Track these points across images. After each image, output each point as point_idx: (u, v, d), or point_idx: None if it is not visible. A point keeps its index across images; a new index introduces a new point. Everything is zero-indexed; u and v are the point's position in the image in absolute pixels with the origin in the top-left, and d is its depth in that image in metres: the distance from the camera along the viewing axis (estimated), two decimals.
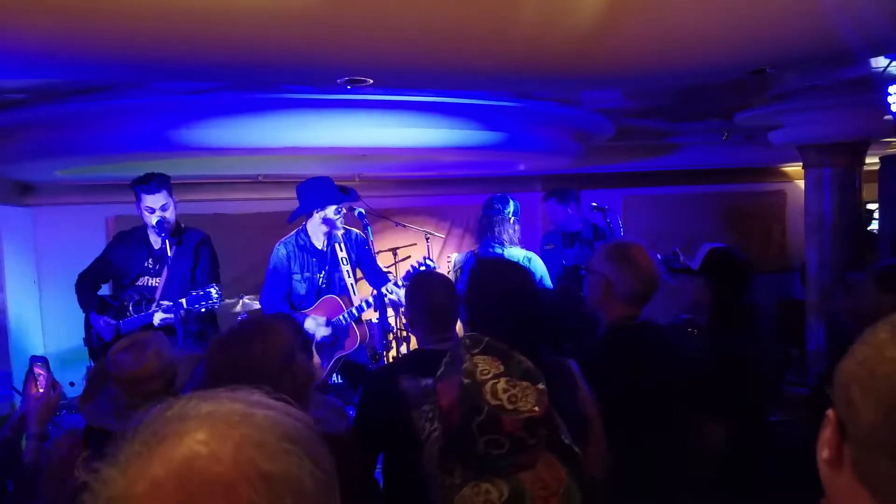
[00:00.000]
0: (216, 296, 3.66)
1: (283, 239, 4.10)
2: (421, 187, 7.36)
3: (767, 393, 2.84)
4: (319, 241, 4.06)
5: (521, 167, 6.40)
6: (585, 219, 5.16)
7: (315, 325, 3.91)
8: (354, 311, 3.98)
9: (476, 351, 1.50)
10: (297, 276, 4.05)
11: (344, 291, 4.07)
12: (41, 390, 2.19)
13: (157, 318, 3.73)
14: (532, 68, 3.10)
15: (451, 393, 1.46)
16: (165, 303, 3.73)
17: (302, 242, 4.05)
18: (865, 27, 2.75)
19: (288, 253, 4.04)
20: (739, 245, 2.91)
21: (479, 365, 1.46)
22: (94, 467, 0.69)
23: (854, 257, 5.65)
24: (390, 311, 4.76)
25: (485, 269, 2.15)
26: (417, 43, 2.69)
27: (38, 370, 2.22)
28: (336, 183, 4.08)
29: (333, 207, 3.96)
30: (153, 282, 3.92)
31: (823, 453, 0.86)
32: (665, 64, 3.19)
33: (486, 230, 4.31)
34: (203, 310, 3.69)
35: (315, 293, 4.07)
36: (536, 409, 1.42)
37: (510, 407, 1.41)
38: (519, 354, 1.51)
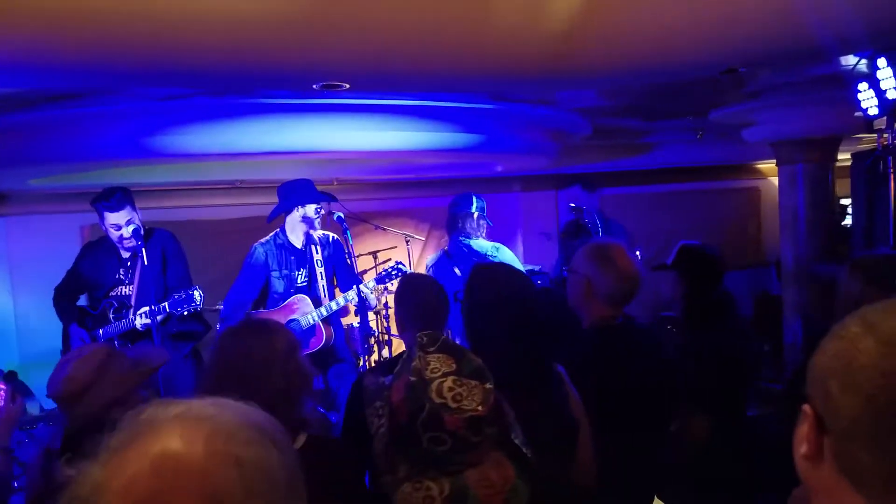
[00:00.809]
0: (199, 298, 3.65)
1: (260, 241, 4.12)
2: (400, 190, 7.35)
3: (742, 387, 2.88)
4: (298, 241, 4.10)
5: (499, 168, 6.42)
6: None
7: (304, 318, 3.99)
8: (324, 310, 3.99)
9: (431, 349, 1.51)
10: (275, 274, 4.08)
11: (315, 292, 4.10)
12: (0, 404, 2.16)
13: (139, 322, 3.71)
14: (507, 69, 3.11)
15: (400, 390, 1.48)
16: (144, 308, 3.69)
17: (280, 241, 4.09)
18: (836, 26, 2.79)
19: (266, 252, 4.07)
20: (715, 241, 2.96)
21: (431, 363, 1.48)
22: (77, 465, 0.74)
23: (827, 251, 5.74)
24: (371, 315, 4.76)
25: (483, 274, 2.10)
26: (392, 47, 2.69)
27: None
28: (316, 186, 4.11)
29: (314, 206, 4.03)
30: (127, 290, 3.89)
31: (802, 448, 0.86)
32: (638, 63, 3.21)
33: (453, 226, 4.61)
34: (185, 313, 3.67)
35: (291, 291, 4.09)
36: (480, 408, 1.43)
37: (453, 405, 1.42)
38: (471, 353, 1.53)
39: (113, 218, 3.72)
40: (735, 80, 4.32)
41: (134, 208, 3.79)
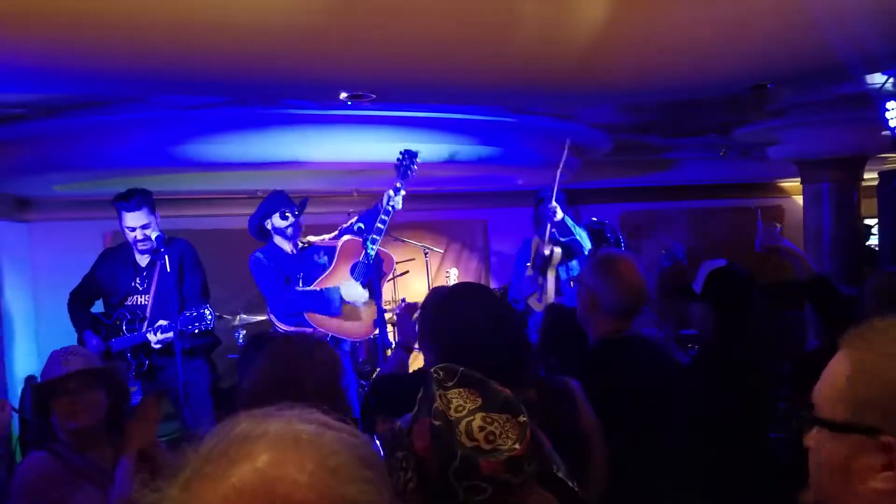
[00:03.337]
0: (210, 317, 3.62)
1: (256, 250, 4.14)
2: (419, 202, 7.32)
3: (768, 410, 2.81)
4: (287, 248, 4.11)
5: (520, 182, 6.40)
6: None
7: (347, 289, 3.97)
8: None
9: (450, 384, 1.33)
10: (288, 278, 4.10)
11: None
12: None
13: (156, 337, 3.66)
14: (531, 83, 3.11)
15: (424, 436, 1.29)
16: (162, 322, 3.68)
17: (273, 252, 4.10)
18: (862, 44, 2.76)
19: (265, 256, 4.08)
20: (737, 260, 2.84)
21: (454, 401, 1.30)
22: (157, 487, 0.66)
23: (853, 272, 5.65)
24: (389, 327, 4.75)
25: (452, 295, 1.96)
26: (418, 59, 2.70)
27: None
28: (292, 196, 4.12)
29: (277, 215, 4.02)
30: (142, 300, 3.87)
31: (877, 483, 0.81)
32: (663, 79, 3.19)
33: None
34: (196, 331, 3.64)
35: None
36: (517, 446, 1.25)
37: (487, 447, 1.25)
38: (496, 383, 1.34)
39: (129, 218, 3.71)
40: (760, 98, 4.29)
41: (152, 212, 3.76)
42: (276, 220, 4.05)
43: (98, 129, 4.18)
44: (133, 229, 3.74)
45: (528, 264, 4.87)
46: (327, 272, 4.01)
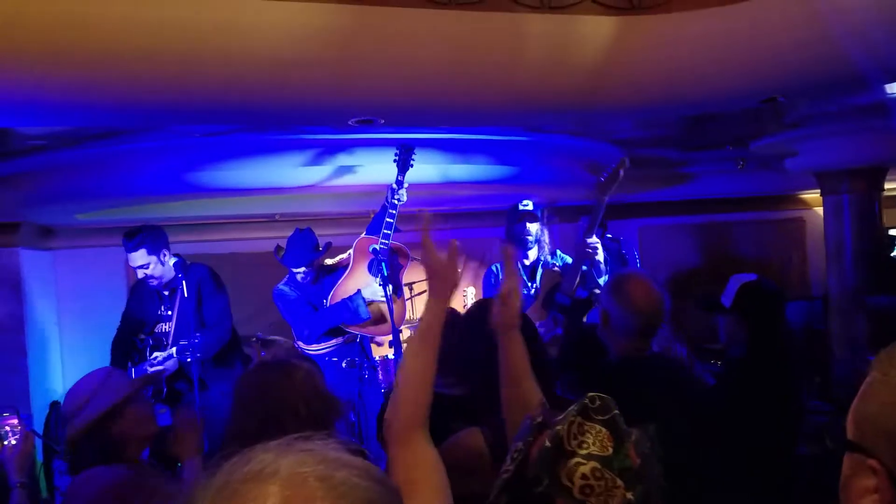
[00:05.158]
0: (201, 346, 3.67)
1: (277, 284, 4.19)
2: (435, 221, 7.34)
3: (798, 427, 2.76)
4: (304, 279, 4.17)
5: (535, 199, 6.40)
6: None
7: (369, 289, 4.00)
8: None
9: (597, 418, 1.20)
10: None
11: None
12: (13, 442, 2.28)
13: (151, 369, 3.71)
14: (540, 103, 3.11)
15: (540, 447, 1.21)
16: (158, 354, 3.75)
17: (295, 283, 4.16)
18: (878, 54, 2.73)
19: (290, 287, 4.14)
20: (758, 274, 2.83)
21: (586, 435, 1.17)
22: None
23: (875, 284, 5.57)
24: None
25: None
26: (426, 84, 2.72)
27: (7, 423, 2.30)
28: (317, 235, 4.16)
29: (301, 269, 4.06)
30: (166, 327, 3.94)
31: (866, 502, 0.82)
32: (674, 95, 3.18)
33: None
34: (189, 359, 3.66)
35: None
36: None
37: (577, 496, 1.14)
38: (633, 447, 1.20)
39: (130, 259, 3.81)
40: (775, 110, 4.26)
41: (154, 251, 3.80)
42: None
43: (116, 159, 4.26)
44: (135, 269, 3.85)
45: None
46: (346, 273, 4.06)
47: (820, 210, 6.48)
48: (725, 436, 2.29)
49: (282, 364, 1.95)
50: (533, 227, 4.37)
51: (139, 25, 2.22)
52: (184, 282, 3.67)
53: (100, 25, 2.19)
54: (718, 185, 7.30)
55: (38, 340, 5.63)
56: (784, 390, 2.57)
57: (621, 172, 3.89)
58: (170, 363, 3.67)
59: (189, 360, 3.65)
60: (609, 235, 4.97)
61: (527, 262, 4.41)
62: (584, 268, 4.01)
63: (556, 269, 4.34)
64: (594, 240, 4.01)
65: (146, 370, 3.73)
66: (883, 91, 3.92)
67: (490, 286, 4.38)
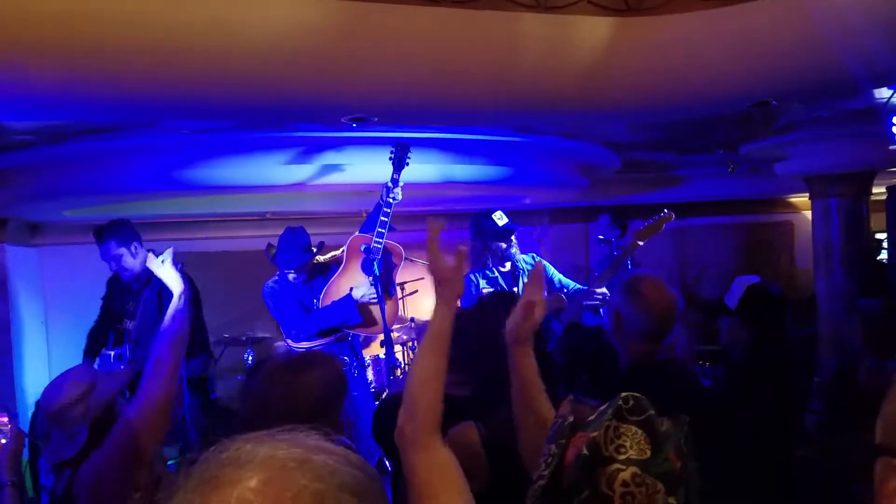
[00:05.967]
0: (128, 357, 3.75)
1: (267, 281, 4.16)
2: (426, 221, 7.33)
3: (795, 430, 2.77)
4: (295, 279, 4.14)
5: (527, 201, 6.41)
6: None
7: (361, 288, 3.96)
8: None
9: (632, 419, 1.17)
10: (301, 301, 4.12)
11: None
12: (3, 441, 2.23)
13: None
14: (534, 102, 3.11)
15: (574, 453, 1.18)
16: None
17: (284, 283, 4.12)
18: (869, 59, 2.75)
19: (279, 285, 4.11)
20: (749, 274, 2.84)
21: (622, 438, 1.15)
22: None
23: (864, 287, 5.61)
24: (398, 347, 4.73)
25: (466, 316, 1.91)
26: (420, 82, 2.71)
27: None
28: (310, 234, 4.12)
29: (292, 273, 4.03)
30: (130, 324, 3.96)
31: None
32: (667, 96, 3.19)
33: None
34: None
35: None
36: None
37: None
38: (672, 448, 1.17)
39: (102, 252, 3.90)
40: (766, 114, 4.28)
41: (124, 241, 3.88)
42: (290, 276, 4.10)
43: (106, 155, 4.23)
44: (108, 261, 3.93)
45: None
46: (339, 271, 4.04)
47: (808, 214, 6.52)
48: (726, 436, 2.28)
49: (303, 359, 1.93)
50: (513, 241, 4.31)
51: (132, 20, 2.20)
52: (136, 286, 3.79)
53: (92, 20, 2.16)
54: (708, 188, 7.34)
55: (23, 339, 5.58)
56: (786, 391, 2.57)
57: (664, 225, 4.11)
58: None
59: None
60: (601, 237, 4.99)
61: (503, 269, 4.35)
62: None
63: (563, 293, 4.24)
64: (603, 290, 4.02)
65: (106, 362, 3.79)
66: (872, 96, 3.95)
67: (469, 296, 4.12)
